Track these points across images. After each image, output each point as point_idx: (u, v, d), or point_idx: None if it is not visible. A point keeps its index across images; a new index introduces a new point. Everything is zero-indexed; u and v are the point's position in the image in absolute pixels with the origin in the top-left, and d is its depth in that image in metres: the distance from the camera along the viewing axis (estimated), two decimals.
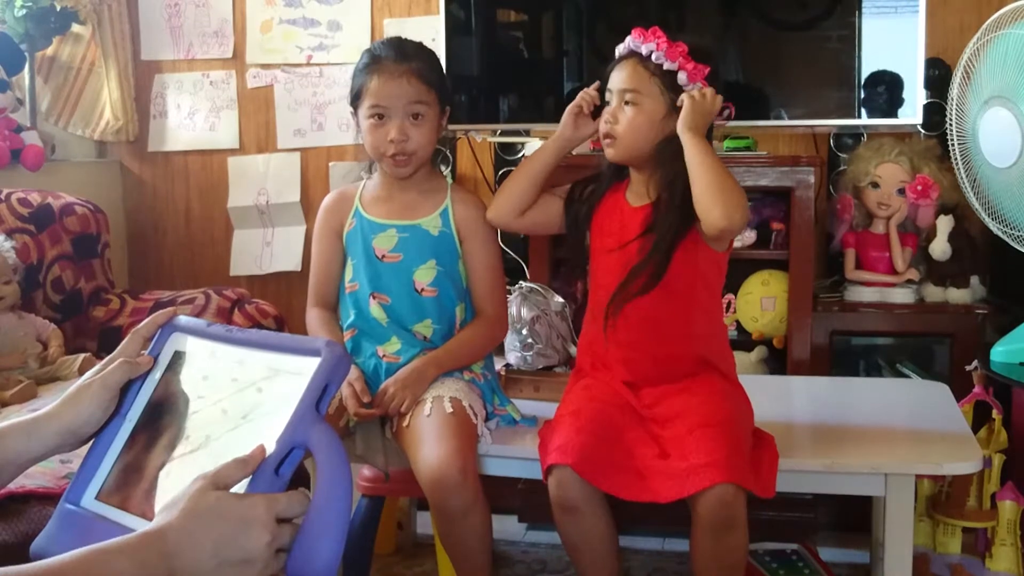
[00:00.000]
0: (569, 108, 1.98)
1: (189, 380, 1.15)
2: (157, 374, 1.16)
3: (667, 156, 1.87)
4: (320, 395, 1.05)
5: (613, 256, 1.93)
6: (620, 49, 1.92)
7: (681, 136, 1.83)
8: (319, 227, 2.12)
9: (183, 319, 1.20)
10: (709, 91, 1.86)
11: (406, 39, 2.05)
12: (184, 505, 0.95)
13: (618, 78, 1.90)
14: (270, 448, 1.02)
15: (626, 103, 1.88)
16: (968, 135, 2.47)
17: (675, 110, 1.87)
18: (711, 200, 1.78)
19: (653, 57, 1.86)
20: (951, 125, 2.51)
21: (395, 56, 1.98)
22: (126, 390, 1.16)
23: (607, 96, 1.92)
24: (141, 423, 1.14)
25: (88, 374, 1.16)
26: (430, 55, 2.03)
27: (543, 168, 2.01)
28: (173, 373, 1.16)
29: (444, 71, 2.08)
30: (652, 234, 1.88)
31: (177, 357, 1.17)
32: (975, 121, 2.44)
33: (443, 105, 2.03)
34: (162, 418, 1.13)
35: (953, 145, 2.52)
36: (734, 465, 1.70)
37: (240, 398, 1.10)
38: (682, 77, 1.86)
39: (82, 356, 2.50)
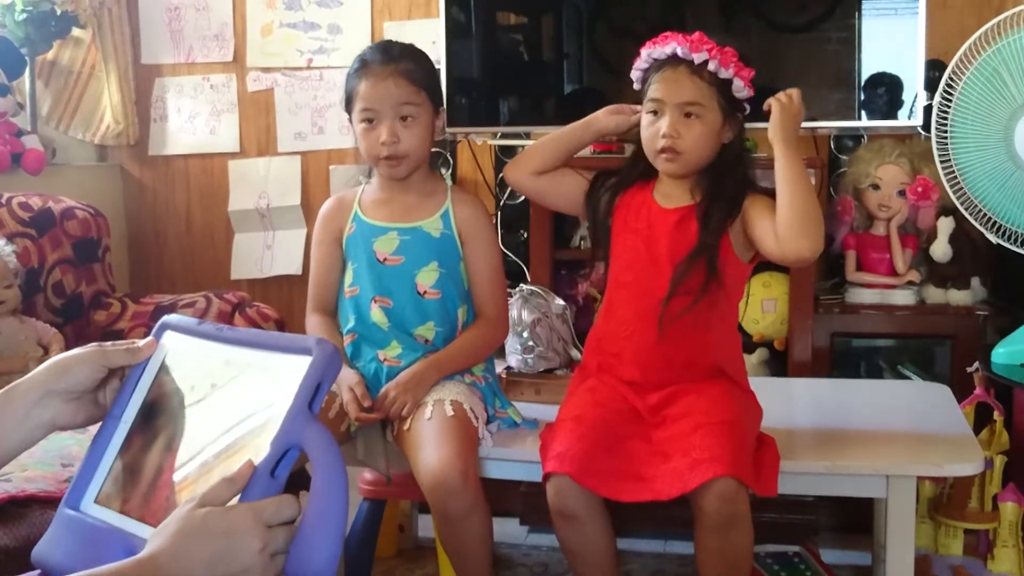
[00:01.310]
0: (617, 106, 1.97)
1: (182, 379, 1.15)
2: (151, 374, 1.16)
3: (722, 164, 1.87)
4: (313, 395, 1.04)
5: (639, 256, 1.92)
6: (655, 54, 1.88)
7: (774, 146, 1.80)
8: (318, 233, 2.12)
9: (174, 318, 1.20)
10: (795, 93, 1.83)
11: (395, 41, 2.05)
12: (174, 528, 0.96)
13: (673, 90, 1.84)
14: (264, 451, 1.02)
15: (687, 115, 1.84)
16: (984, 140, 2.45)
17: (729, 118, 1.86)
18: (801, 229, 1.74)
19: (710, 66, 1.83)
20: (942, 129, 2.51)
21: (381, 58, 1.97)
22: (120, 391, 1.16)
23: (652, 107, 1.87)
24: (136, 425, 1.13)
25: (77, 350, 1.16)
26: (419, 56, 2.02)
27: (572, 138, 2.00)
28: (166, 373, 1.16)
29: (435, 71, 2.06)
30: (689, 238, 1.86)
31: (169, 356, 1.17)
32: (1008, 126, 2.42)
33: (436, 105, 2.02)
34: (157, 419, 1.13)
35: (949, 151, 2.50)
36: (736, 461, 1.70)
37: (232, 398, 1.09)
38: (738, 85, 1.84)
39: None
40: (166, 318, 1.20)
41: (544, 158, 2.01)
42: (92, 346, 1.16)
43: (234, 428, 1.07)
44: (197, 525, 0.96)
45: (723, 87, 1.85)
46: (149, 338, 1.18)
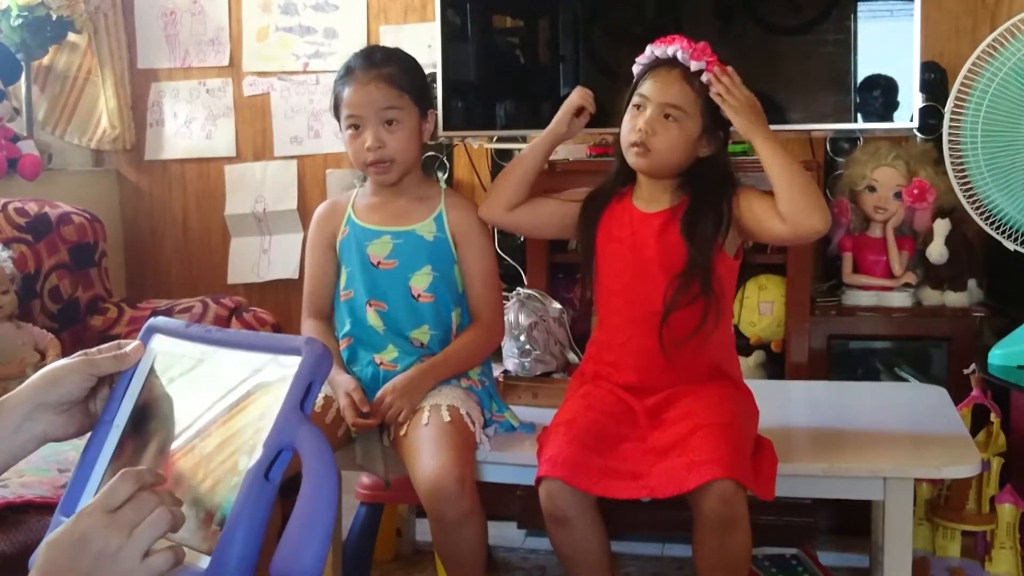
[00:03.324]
0: (569, 106, 1.99)
1: (171, 383, 1.14)
2: (141, 378, 1.15)
3: (702, 177, 1.88)
4: (304, 395, 1.04)
5: (627, 263, 1.92)
6: (657, 52, 1.89)
7: (752, 140, 1.83)
8: (312, 238, 2.11)
9: (161, 321, 1.19)
10: (739, 82, 1.84)
11: (380, 46, 2.05)
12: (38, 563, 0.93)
13: (661, 90, 1.86)
14: (257, 453, 1.01)
15: (666, 117, 1.85)
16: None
17: (710, 133, 1.88)
18: (807, 203, 1.78)
19: (703, 77, 1.84)
20: (947, 131, 2.51)
21: (364, 64, 1.97)
22: (110, 396, 1.15)
23: (637, 100, 1.89)
24: (128, 429, 1.13)
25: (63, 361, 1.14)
26: (403, 59, 2.02)
27: (533, 164, 2.01)
28: (155, 376, 1.15)
29: (421, 74, 2.05)
30: (676, 241, 1.87)
31: (158, 360, 1.16)
32: None
33: (422, 108, 2.01)
34: (149, 423, 1.12)
35: (975, 152, 2.49)
36: (735, 463, 1.70)
37: (222, 399, 1.09)
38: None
39: None
40: (153, 321, 1.19)
41: (513, 191, 2.01)
42: (79, 355, 1.14)
43: (226, 431, 1.06)
44: (46, 552, 0.93)
45: (712, 101, 1.86)
46: (136, 342, 1.17)
